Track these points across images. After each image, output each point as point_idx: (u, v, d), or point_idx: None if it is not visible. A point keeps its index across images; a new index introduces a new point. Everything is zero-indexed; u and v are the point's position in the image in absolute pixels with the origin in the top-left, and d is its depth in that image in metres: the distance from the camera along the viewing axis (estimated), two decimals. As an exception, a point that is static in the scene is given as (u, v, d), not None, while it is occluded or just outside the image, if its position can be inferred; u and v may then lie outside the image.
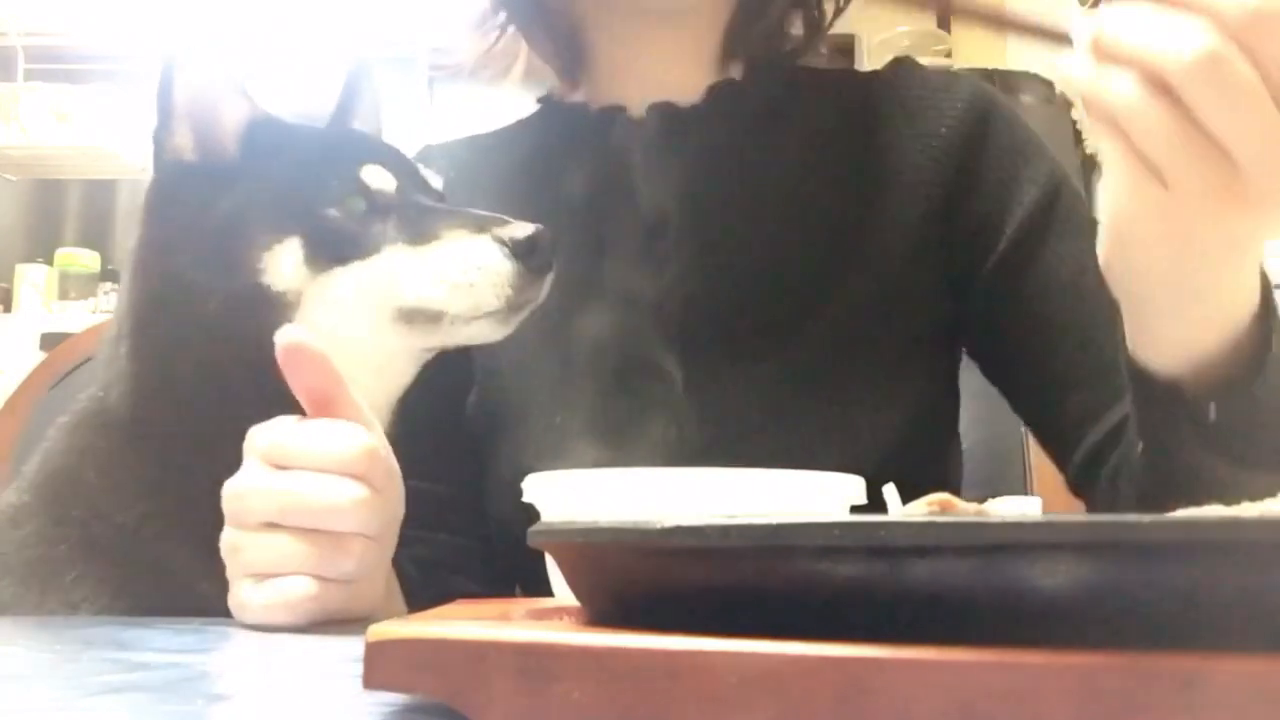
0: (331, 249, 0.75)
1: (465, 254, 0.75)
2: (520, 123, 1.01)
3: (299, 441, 0.62)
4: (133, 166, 3.43)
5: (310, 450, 0.62)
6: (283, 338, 0.63)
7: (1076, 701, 0.27)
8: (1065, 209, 0.87)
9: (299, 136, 0.81)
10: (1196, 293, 0.59)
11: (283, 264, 0.74)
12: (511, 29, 0.97)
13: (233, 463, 0.63)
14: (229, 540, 0.62)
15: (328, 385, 0.64)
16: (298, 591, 0.60)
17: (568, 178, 0.93)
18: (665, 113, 0.92)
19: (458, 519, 0.92)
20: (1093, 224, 0.83)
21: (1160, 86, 0.49)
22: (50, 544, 0.72)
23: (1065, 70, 0.53)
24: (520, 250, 0.75)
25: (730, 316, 0.87)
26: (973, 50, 3.39)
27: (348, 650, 0.51)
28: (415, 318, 0.75)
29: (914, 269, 0.88)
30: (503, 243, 0.75)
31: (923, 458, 0.87)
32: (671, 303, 0.87)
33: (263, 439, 0.63)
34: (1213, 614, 0.29)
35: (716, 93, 0.93)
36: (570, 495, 0.56)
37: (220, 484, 0.64)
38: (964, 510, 0.47)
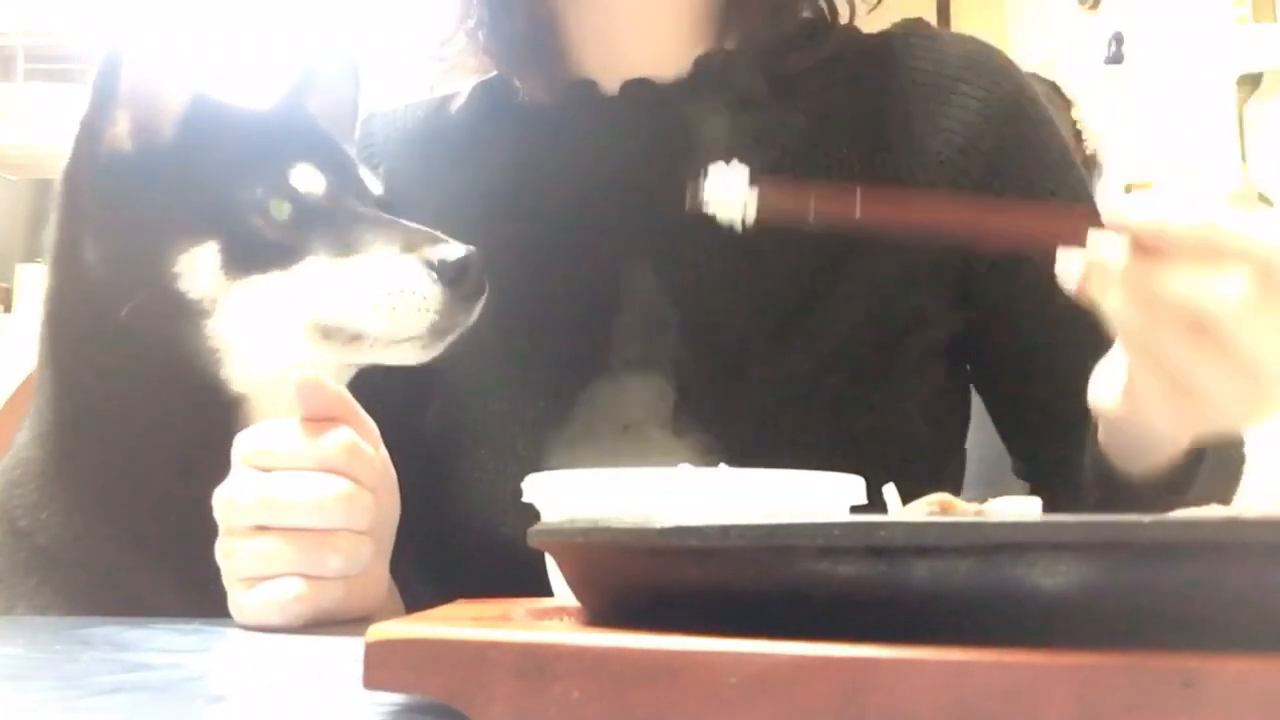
0: (250, 256, 0.71)
1: (388, 274, 0.70)
2: (480, 88, 0.92)
3: (279, 443, 0.62)
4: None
5: (290, 450, 0.61)
6: (301, 378, 0.62)
7: (1076, 701, 0.27)
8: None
9: (236, 124, 0.76)
10: (1187, 435, 0.64)
11: (198, 269, 0.70)
12: (480, 32, 0.88)
13: (159, 472, 0.62)
14: (221, 546, 0.62)
15: (337, 413, 0.63)
16: (287, 592, 0.60)
17: (530, 162, 0.86)
18: (641, 90, 0.84)
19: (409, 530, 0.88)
20: None
21: (1196, 324, 0.53)
22: (12, 552, 0.72)
23: (1106, 307, 0.56)
24: (449, 274, 0.70)
25: (712, 330, 0.80)
26: (973, 50, 3.38)
27: (348, 650, 0.51)
28: (334, 334, 0.71)
29: (927, 282, 0.81)
30: (430, 265, 0.70)
31: (927, 467, 0.83)
32: (645, 312, 0.80)
33: (246, 444, 0.62)
34: (1213, 614, 0.29)
35: (703, 67, 0.84)
36: (570, 495, 0.56)
37: (151, 492, 0.63)
38: (964, 510, 0.47)
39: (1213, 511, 0.34)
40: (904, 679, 0.28)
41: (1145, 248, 0.53)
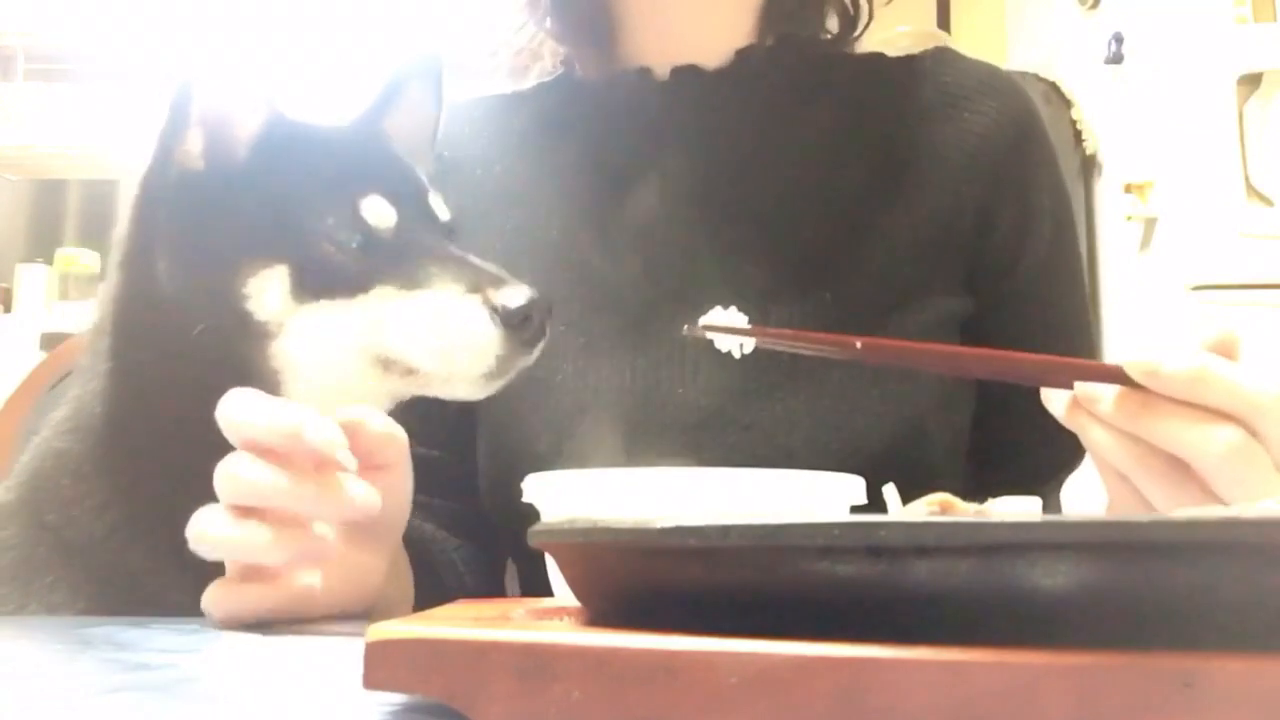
0: (318, 283, 0.71)
1: (450, 314, 0.71)
2: (541, 86, 1.02)
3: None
4: (133, 166, 3.43)
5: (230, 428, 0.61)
6: (345, 415, 0.61)
7: (1076, 701, 0.27)
8: (1065, 251, 0.94)
9: (310, 147, 0.77)
10: None
11: (267, 292, 0.71)
12: (546, 19, 0.99)
13: (200, 476, 0.61)
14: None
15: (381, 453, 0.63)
16: (227, 586, 0.60)
17: (588, 138, 0.95)
18: (690, 75, 0.93)
19: (453, 484, 0.92)
20: (1076, 264, 0.95)
21: (1178, 463, 0.55)
22: (30, 546, 0.71)
23: (1093, 441, 0.58)
24: (511, 320, 0.70)
25: (743, 282, 0.86)
26: (972, 50, 3.38)
27: (348, 650, 0.51)
28: (392, 366, 0.72)
29: (935, 259, 0.89)
30: (493, 308, 0.70)
31: (933, 449, 0.87)
32: (684, 264, 0.88)
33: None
34: (1213, 614, 0.29)
35: (744, 58, 0.93)
36: (570, 495, 0.56)
37: (189, 496, 0.63)
38: (964, 510, 0.47)
39: (1213, 511, 0.34)
40: (904, 679, 0.28)
41: (1135, 384, 0.55)
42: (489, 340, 0.71)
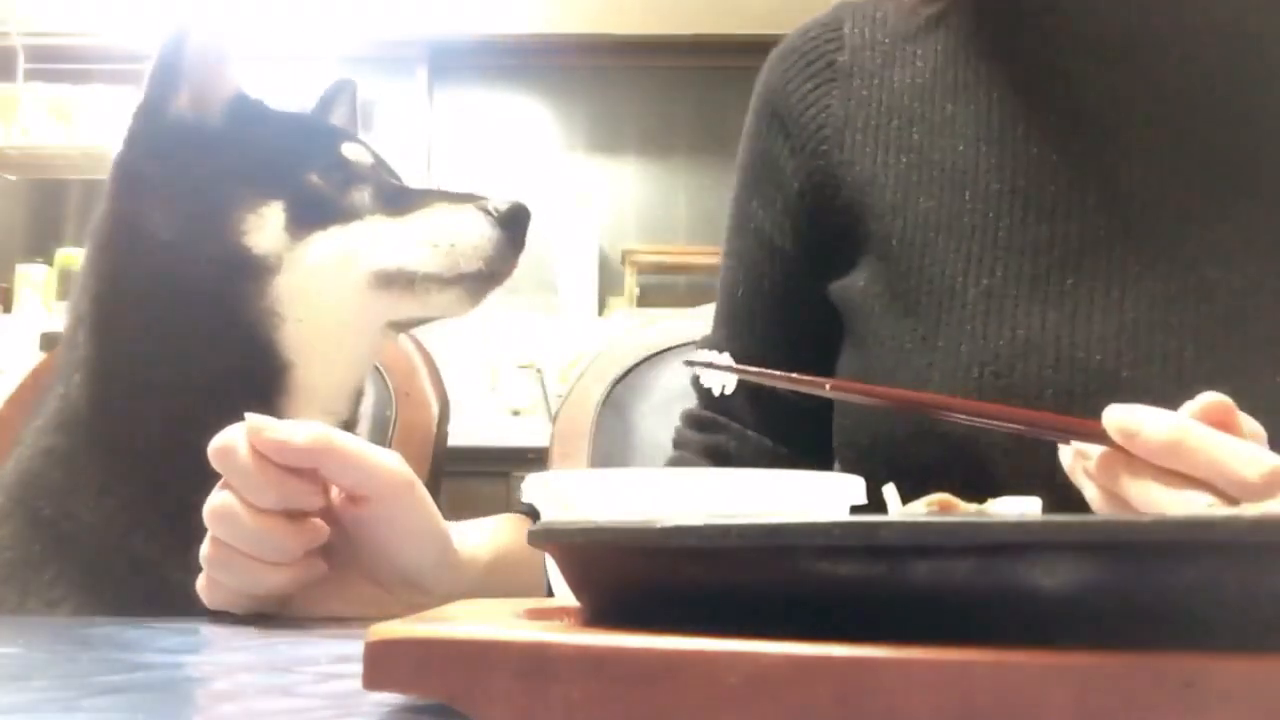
0: (312, 214, 0.77)
1: (448, 220, 0.79)
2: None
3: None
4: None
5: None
6: (317, 435, 0.60)
7: (1076, 701, 0.27)
8: None
9: (280, 115, 0.85)
10: None
11: (265, 228, 0.76)
12: None
13: (197, 445, 0.61)
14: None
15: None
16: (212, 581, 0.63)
17: (1011, 53, 0.84)
18: None
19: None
20: None
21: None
22: (26, 544, 0.72)
23: (1088, 499, 0.58)
24: (504, 218, 0.79)
25: (1200, 236, 0.76)
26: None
27: (348, 650, 0.51)
28: (391, 282, 0.78)
29: None
30: (486, 211, 0.79)
31: None
32: (1125, 206, 0.78)
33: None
34: (1213, 614, 0.29)
35: None
36: (570, 495, 0.56)
37: (185, 469, 0.63)
38: (964, 510, 0.47)
39: (1213, 512, 0.34)
40: (904, 679, 0.28)
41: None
42: (486, 238, 0.78)
